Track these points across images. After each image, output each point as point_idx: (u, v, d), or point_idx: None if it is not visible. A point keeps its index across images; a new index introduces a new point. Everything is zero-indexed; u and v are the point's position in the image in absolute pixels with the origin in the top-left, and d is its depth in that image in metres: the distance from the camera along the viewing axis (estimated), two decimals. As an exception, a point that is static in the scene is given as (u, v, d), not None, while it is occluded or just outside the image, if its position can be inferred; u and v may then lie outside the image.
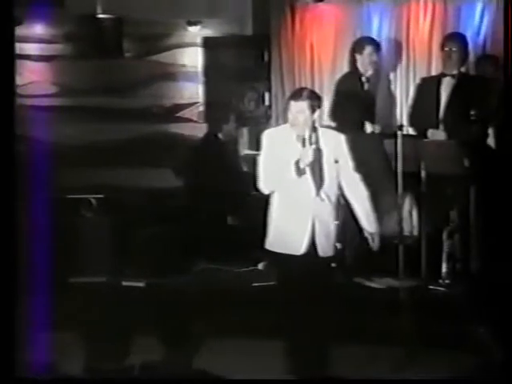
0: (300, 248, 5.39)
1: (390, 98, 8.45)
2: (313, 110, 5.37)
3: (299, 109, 5.37)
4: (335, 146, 5.43)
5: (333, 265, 5.39)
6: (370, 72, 7.72)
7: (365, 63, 7.68)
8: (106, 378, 3.37)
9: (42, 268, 6.49)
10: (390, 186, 6.52)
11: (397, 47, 8.51)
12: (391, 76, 8.51)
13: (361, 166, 6.90)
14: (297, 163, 5.30)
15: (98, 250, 7.63)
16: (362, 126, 7.46)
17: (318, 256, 5.39)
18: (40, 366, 3.42)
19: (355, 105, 7.51)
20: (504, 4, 5.23)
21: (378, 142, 7.03)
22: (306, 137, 5.34)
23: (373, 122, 7.59)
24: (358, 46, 7.75)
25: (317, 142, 5.37)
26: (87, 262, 7.58)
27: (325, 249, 5.39)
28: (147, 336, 5.60)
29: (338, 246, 5.38)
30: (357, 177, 5.52)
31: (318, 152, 5.36)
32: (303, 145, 5.32)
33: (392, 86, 8.40)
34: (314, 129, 5.39)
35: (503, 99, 7.09)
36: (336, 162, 5.37)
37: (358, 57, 7.71)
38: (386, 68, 8.51)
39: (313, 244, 5.39)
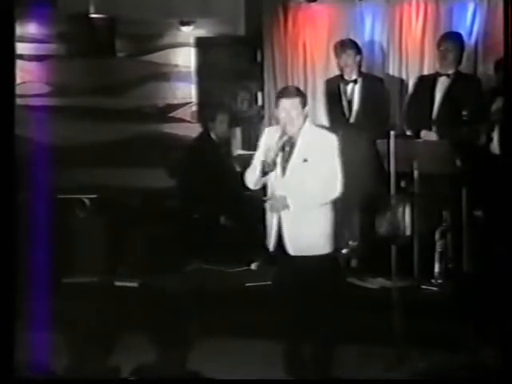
0: (270, 245, 5.44)
1: (383, 98, 8.45)
2: (302, 109, 5.39)
3: (286, 106, 5.38)
4: (314, 144, 5.38)
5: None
6: (350, 74, 7.77)
7: (341, 65, 7.80)
8: (102, 379, 3.39)
9: (39, 268, 6.49)
10: (382, 186, 6.53)
11: (389, 47, 8.52)
12: (384, 76, 8.52)
13: (353, 166, 6.95)
14: (263, 162, 5.33)
15: (91, 250, 7.62)
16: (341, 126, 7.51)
17: (287, 254, 5.39)
18: (39, 367, 3.43)
19: (335, 106, 7.71)
20: (504, 4, 5.22)
21: (371, 142, 7.04)
22: (275, 138, 5.36)
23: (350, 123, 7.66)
24: (335, 50, 7.90)
25: (293, 141, 5.37)
26: (81, 262, 7.57)
27: (296, 248, 5.37)
28: (141, 336, 5.61)
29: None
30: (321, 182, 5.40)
31: (289, 151, 5.37)
32: (275, 144, 5.34)
33: (385, 86, 8.39)
34: (301, 127, 5.40)
35: (496, 99, 7.13)
36: (305, 160, 5.35)
37: (337, 60, 7.85)
38: (378, 68, 8.54)
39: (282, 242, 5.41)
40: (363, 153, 7.23)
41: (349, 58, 7.74)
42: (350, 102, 7.76)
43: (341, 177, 5.38)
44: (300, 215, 5.34)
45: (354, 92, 7.77)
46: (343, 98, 7.75)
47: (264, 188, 5.55)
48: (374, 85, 7.84)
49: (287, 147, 5.36)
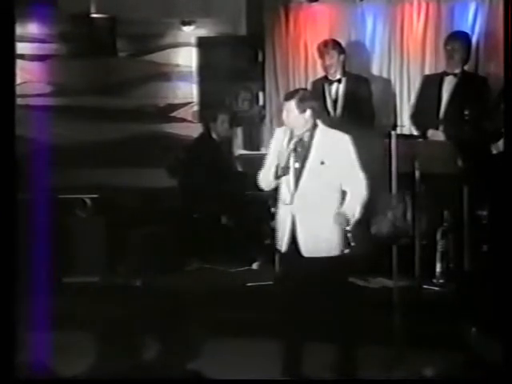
0: (282, 246, 5.41)
1: (384, 98, 8.45)
2: (303, 110, 5.35)
3: (287, 108, 5.37)
4: (329, 146, 5.35)
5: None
6: (334, 74, 7.76)
7: (325, 66, 7.81)
8: (103, 379, 3.38)
9: (40, 268, 6.49)
10: (384, 186, 6.52)
11: (390, 47, 8.52)
12: (385, 76, 8.52)
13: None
14: (277, 166, 5.32)
15: (92, 250, 7.62)
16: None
17: (301, 255, 5.37)
18: (39, 367, 3.43)
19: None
20: (504, 4, 5.22)
21: (372, 142, 7.03)
22: (285, 141, 5.34)
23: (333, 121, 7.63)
24: (318, 50, 7.89)
25: (305, 142, 5.35)
26: (82, 262, 7.57)
27: (309, 249, 5.33)
28: (142, 335, 5.60)
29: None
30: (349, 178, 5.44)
31: (302, 153, 5.34)
32: (286, 148, 5.32)
33: (370, 86, 8.35)
34: (311, 129, 5.37)
35: (499, 99, 7.13)
36: (322, 163, 5.33)
37: (321, 61, 7.88)
38: (379, 68, 8.53)
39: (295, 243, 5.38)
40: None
41: (332, 58, 7.75)
42: (335, 102, 7.77)
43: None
44: (316, 218, 5.32)
45: (338, 92, 7.77)
46: (328, 98, 7.76)
47: (276, 189, 5.51)
48: (358, 84, 7.83)
49: (299, 149, 5.34)
